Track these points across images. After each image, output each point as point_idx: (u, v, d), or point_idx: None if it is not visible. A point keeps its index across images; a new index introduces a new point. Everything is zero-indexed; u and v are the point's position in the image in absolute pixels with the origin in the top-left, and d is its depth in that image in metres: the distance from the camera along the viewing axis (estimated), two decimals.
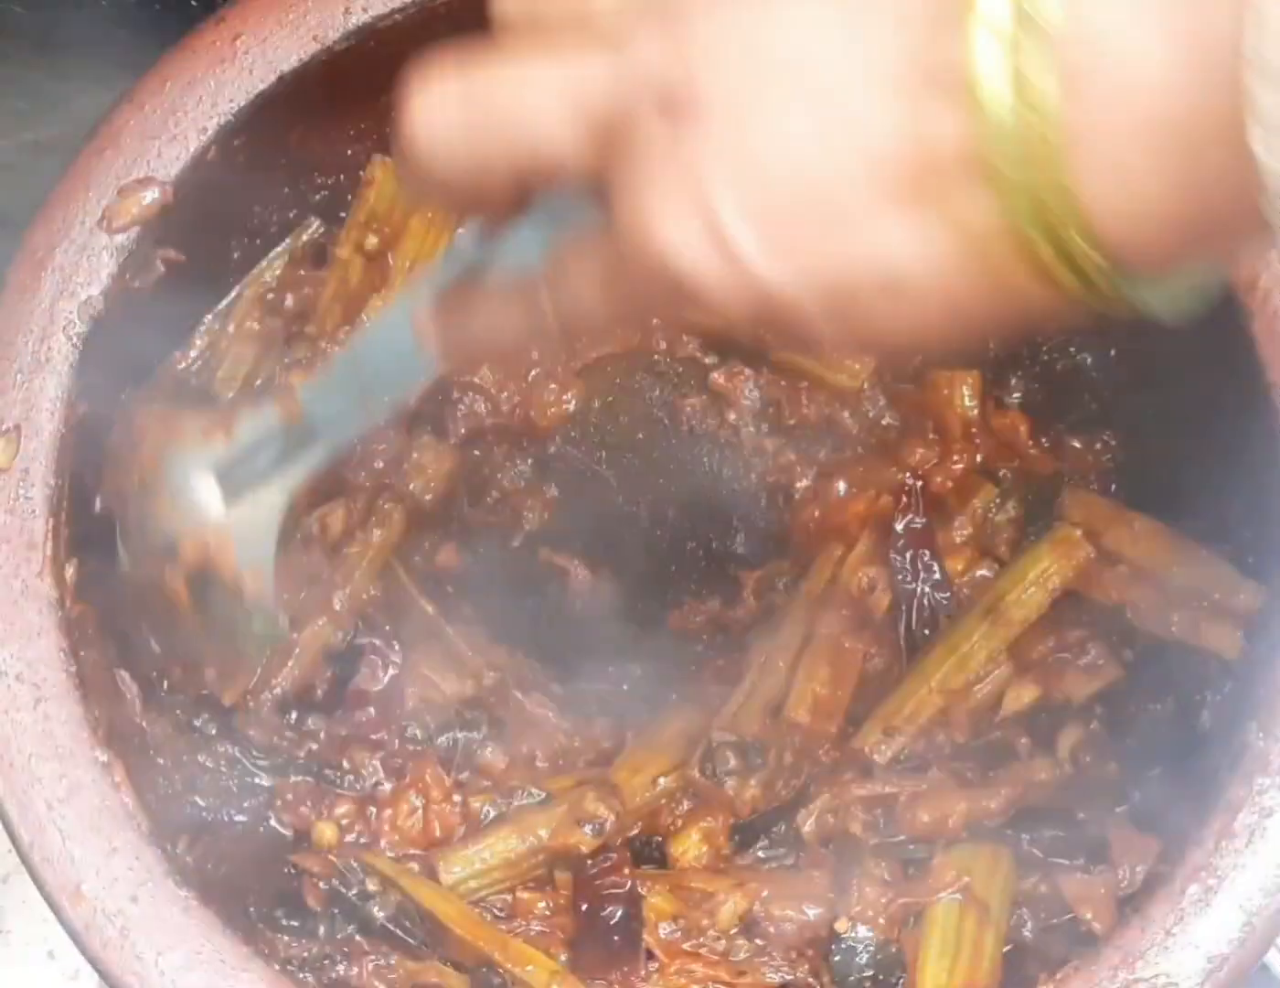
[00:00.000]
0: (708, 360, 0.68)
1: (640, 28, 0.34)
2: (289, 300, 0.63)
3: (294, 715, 0.61)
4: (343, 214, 0.64)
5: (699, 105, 0.32)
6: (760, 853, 0.59)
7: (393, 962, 0.54)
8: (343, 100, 0.60)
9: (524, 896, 0.57)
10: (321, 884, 0.56)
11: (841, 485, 0.64)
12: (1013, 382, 0.65)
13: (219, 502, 0.52)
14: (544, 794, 0.59)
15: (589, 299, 0.38)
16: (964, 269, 0.32)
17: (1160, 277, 0.32)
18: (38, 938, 0.77)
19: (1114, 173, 0.29)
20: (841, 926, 0.54)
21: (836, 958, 0.54)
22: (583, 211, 0.37)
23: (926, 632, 0.61)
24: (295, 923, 0.56)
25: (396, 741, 0.61)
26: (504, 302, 0.41)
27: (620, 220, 0.34)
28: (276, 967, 0.48)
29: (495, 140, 0.37)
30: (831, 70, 0.31)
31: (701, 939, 0.55)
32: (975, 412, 0.63)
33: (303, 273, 0.63)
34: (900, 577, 0.62)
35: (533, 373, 0.66)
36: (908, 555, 0.62)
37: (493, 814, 0.59)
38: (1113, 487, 0.64)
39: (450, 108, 0.37)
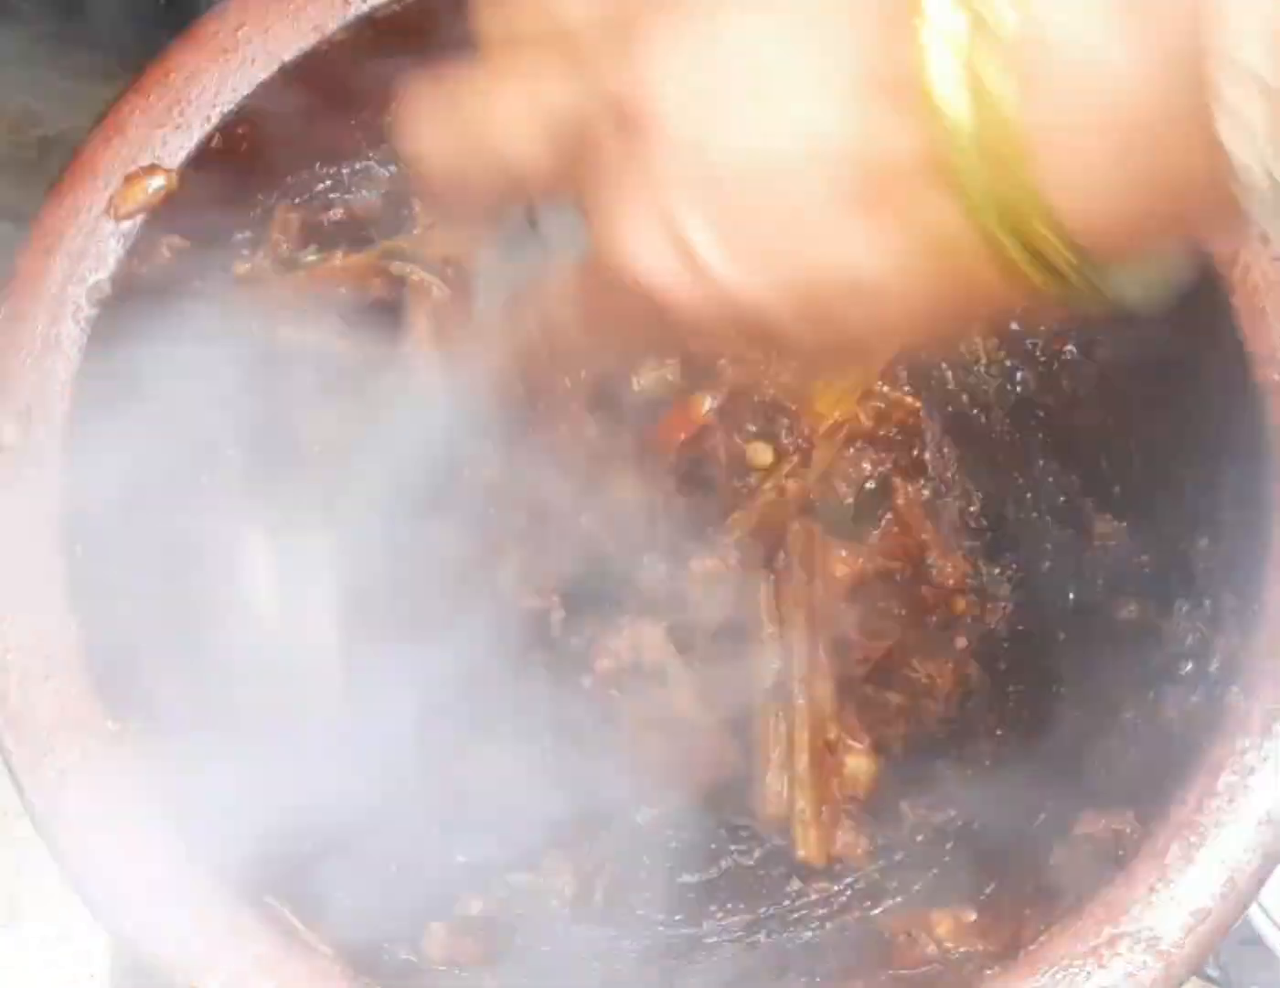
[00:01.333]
0: None
1: (600, 44, 0.35)
2: None
3: None
4: (348, 199, 0.65)
5: (652, 118, 0.33)
6: None
7: None
8: (344, 90, 0.61)
9: None
10: None
11: None
12: None
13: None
14: None
15: (568, 319, 0.38)
16: (931, 271, 0.32)
17: (1130, 266, 0.33)
18: (51, 921, 0.78)
19: (1077, 171, 0.30)
20: None
21: None
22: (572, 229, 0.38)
23: None
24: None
25: None
26: (496, 324, 0.42)
27: (593, 238, 0.35)
28: (288, 932, 0.49)
29: (475, 160, 0.38)
30: (785, 80, 0.32)
31: None
32: None
33: None
34: None
35: None
36: None
37: None
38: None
39: (434, 131, 0.39)
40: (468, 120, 0.38)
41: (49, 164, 0.84)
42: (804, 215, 0.32)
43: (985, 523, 0.68)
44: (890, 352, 0.43)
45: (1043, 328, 0.63)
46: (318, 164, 0.64)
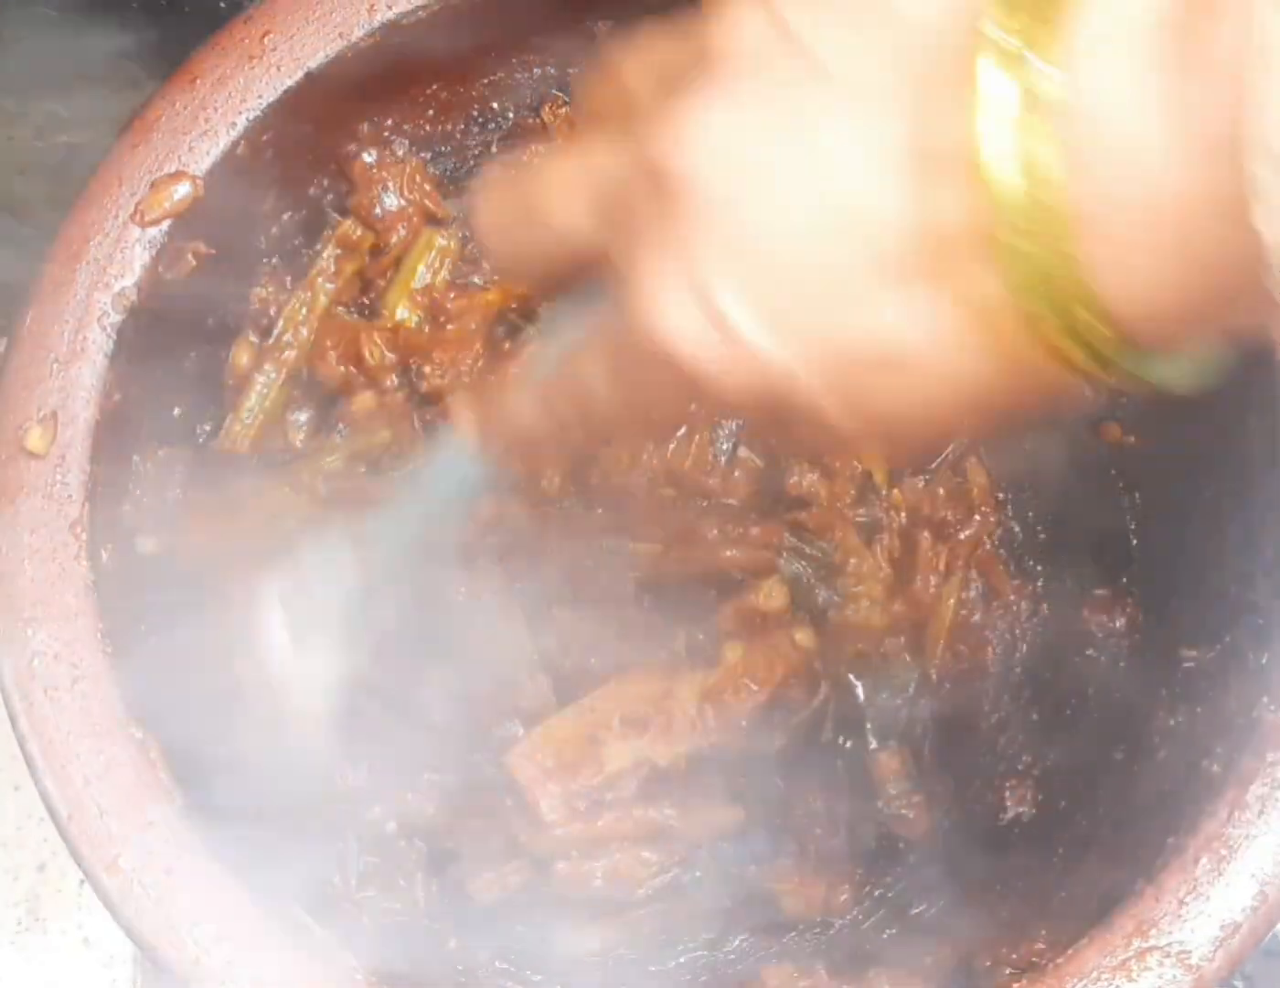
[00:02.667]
0: None
1: (648, 111, 0.35)
2: None
3: None
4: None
5: (686, 182, 0.32)
6: None
7: None
8: (368, 97, 0.62)
9: None
10: None
11: None
12: None
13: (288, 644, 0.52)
14: None
15: (601, 391, 0.38)
16: (970, 345, 0.31)
17: (1168, 350, 0.32)
18: (73, 926, 0.78)
19: (1119, 249, 0.29)
20: None
21: None
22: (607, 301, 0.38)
23: None
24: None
25: None
26: (531, 396, 0.41)
27: (628, 308, 0.34)
28: (312, 941, 0.49)
29: (528, 231, 0.39)
30: (833, 153, 0.31)
31: None
32: None
33: None
34: None
35: None
36: None
37: None
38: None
39: (496, 206, 0.40)
40: (524, 194, 0.39)
41: (74, 170, 0.84)
42: (842, 284, 0.32)
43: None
44: (928, 437, 0.42)
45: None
46: (342, 170, 0.65)
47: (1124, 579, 0.63)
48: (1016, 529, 0.67)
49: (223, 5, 0.70)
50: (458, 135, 0.68)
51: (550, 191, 0.38)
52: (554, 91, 0.68)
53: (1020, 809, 0.61)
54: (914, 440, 0.35)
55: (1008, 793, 0.62)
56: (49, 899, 0.79)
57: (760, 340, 0.32)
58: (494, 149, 0.69)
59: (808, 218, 0.32)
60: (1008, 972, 0.50)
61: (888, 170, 0.31)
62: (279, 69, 0.58)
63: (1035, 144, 0.29)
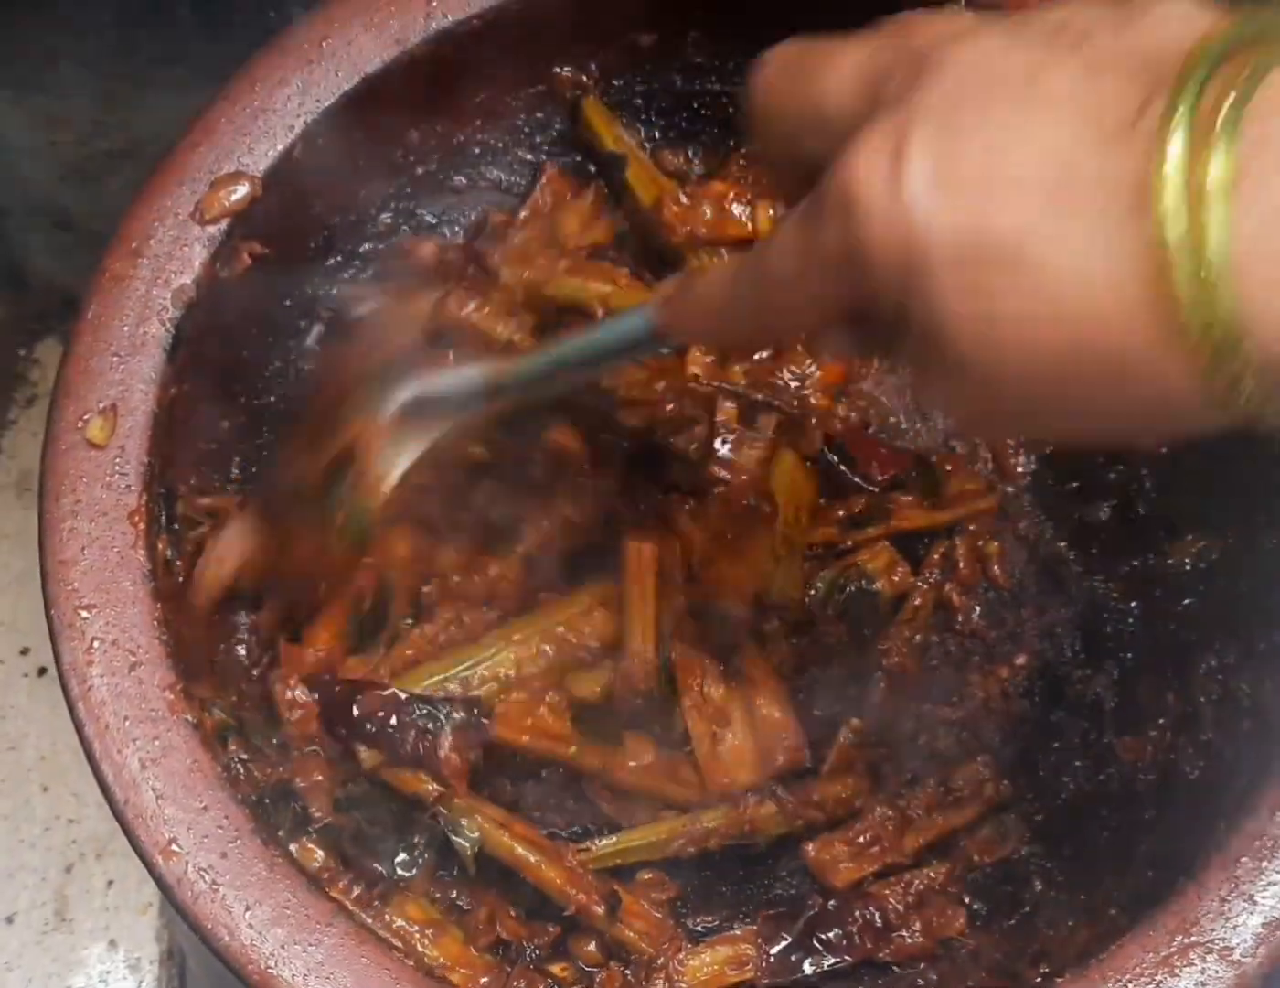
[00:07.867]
0: None
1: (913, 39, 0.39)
2: None
3: None
4: (418, 210, 0.67)
5: (941, 71, 0.36)
6: None
7: None
8: (422, 103, 0.63)
9: None
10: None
11: None
12: None
13: (394, 407, 0.57)
14: None
15: (783, 268, 0.41)
16: (1101, 281, 0.34)
17: None
18: (100, 927, 0.78)
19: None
20: None
21: None
22: None
23: None
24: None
25: None
26: (721, 273, 0.46)
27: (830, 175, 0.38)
28: (360, 923, 0.50)
29: (802, 104, 0.42)
30: (1052, 96, 0.35)
31: None
32: None
33: None
34: None
35: None
36: None
37: None
38: None
39: (781, 71, 0.44)
40: (809, 63, 0.42)
41: (114, 177, 0.85)
42: (1014, 186, 0.34)
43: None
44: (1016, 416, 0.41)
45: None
46: (396, 175, 0.66)
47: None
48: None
49: (272, 15, 0.71)
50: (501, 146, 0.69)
51: (830, 66, 0.41)
52: None
53: None
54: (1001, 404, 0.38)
55: None
56: (77, 901, 0.79)
57: (920, 195, 0.35)
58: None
59: (1009, 126, 0.35)
60: (1052, 967, 0.51)
61: (1090, 122, 0.34)
62: (337, 73, 0.59)
63: (1203, 195, 0.32)
